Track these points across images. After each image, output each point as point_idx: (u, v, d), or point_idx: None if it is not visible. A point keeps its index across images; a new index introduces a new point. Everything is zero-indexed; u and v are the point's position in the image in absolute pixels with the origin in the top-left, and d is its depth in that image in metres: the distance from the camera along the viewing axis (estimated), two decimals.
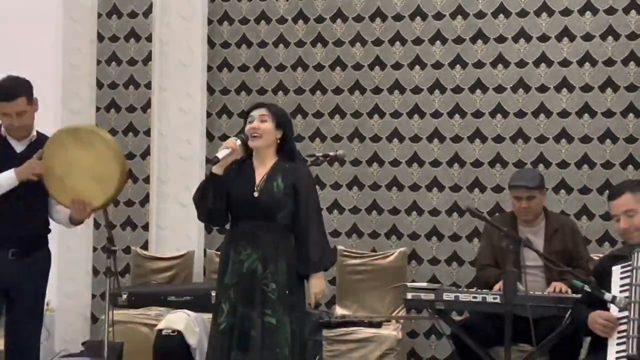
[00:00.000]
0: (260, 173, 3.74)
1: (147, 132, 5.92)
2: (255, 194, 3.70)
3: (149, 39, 5.94)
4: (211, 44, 5.97)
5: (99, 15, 6.00)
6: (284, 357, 3.57)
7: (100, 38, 6.02)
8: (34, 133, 4.05)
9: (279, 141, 3.78)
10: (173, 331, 5.06)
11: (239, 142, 3.69)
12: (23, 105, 3.91)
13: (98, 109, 6.00)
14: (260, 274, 3.64)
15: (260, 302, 3.61)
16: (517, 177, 4.70)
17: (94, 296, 5.96)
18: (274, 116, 3.75)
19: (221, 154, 3.65)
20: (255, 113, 3.74)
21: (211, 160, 3.74)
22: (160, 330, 5.12)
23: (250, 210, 3.71)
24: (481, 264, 4.75)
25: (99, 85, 6.02)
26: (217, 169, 3.69)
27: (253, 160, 3.79)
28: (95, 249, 5.92)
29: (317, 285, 3.74)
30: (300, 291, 3.76)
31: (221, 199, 3.72)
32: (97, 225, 5.88)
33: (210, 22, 5.96)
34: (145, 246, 5.91)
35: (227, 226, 3.91)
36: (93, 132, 4.05)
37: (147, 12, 5.95)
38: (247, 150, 3.78)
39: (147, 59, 5.95)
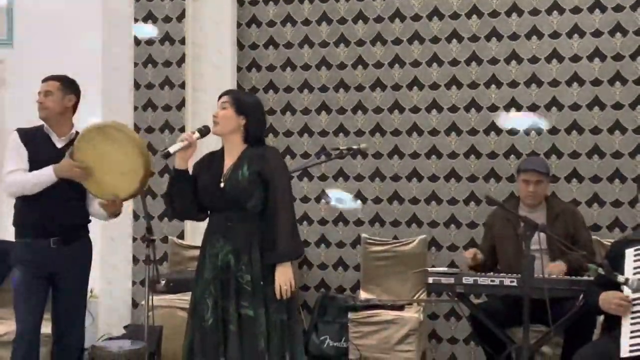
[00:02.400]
0: (228, 163, 3.53)
1: (182, 129, 5.90)
2: (222, 185, 3.48)
3: (183, 42, 5.93)
4: (240, 46, 5.96)
5: (135, 20, 6.01)
6: (261, 350, 3.34)
7: (137, 42, 6.02)
8: (74, 131, 4.08)
9: (243, 128, 3.53)
10: None
11: (196, 134, 3.53)
12: (53, 87, 4.02)
13: (136, 108, 6.00)
14: (235, 266, 3.43)
15: (236, 295, 3.40)
16: (528, 162, 4.74)
17: (134, 283, 5.97)
18: (235, 103, 3.52)
19: (173, 147, 3.49)
20: (219, 101, 3.57)
21: (163, 154, 3.53)
22: None
23: (219, 202, 3.50)
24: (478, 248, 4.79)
25: (137, 86, 6.02)
26: (179, 164, 3.52)
27: (224, 151, 3.60)
28: (134, 239, 5.93)
29: (282, 275, 3.40)
30: None
31: (187, 194, 3.53)
32: (136, 216, 5.89)
33: (239, 25, 5.95)
34: (181, 236, 5.90)
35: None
36: (119, 129, 4.00)
37: (181, 17, 5.95)
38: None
39: (181, 61, 5.94)
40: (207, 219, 3.63)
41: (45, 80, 4.07)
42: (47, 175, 3.86)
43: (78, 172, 3.85)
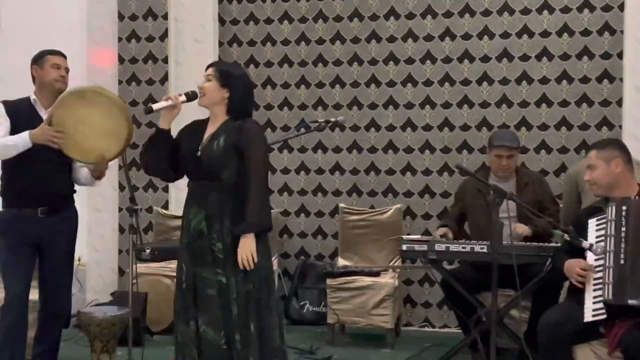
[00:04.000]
0: (208, 133, 3.44)
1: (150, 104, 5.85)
2: (198, 153, 3.40)
3: (165, 17, 5.86)
4: (222, 21, 5.90)
5: None
6: (235, 317, 3.29)
7: (121, 17, 5.94)
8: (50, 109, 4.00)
9: (227, 100, 3.44)
10: None
11: (182, 97, 3.43)
12: (67, 63, 4.03)
13: (120, 82, 5.94)
14: (207, 234, 3.36)
15: (212, 262, 3.34)
16: (499, 137, 4.66)
17: (120, 251, 5.94)
18: (219, 75, 3.42)
19: (157, 105, 3.42)
20: (205, 73, 3.49)
21: (145, 109, 3.45)
22: None
23: (196, 170, 3.41)
24: (445, 215, 4.87)
25: (121, 60, 5.95)
26: (162, 124, 3.43)
27: (209, 121, 3.51)
28: (120, 209, 5.89)
29: (243, 246, 3.28)
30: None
31: (164, 154, 3.45)
32: (121, 187, 5.86)
33: (220, 1, 5.87)
34: (165, 206, 5.88)
35: None
36: (98, 92, 3.92)
37: None
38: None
39: (164, 35, 5.87)
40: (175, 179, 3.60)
41: (57, 54, 4.00)
42: (22, 139, 3.77)
43: (53, 137, 3.75)
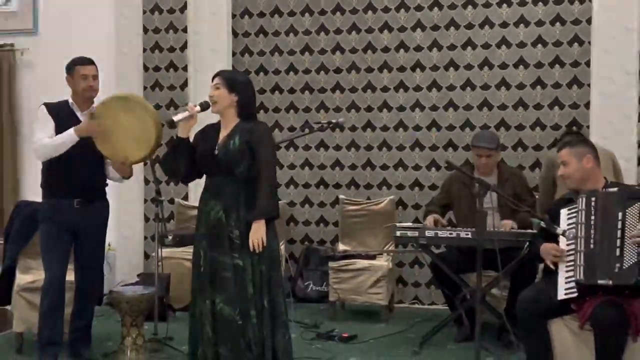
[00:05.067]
0: (223, 134, 3.45)
1: (185, 106, 5.84)
2: (216, 152, 3.40)
3: (185, 30, 5.83)
4: (235, 34, 5.86)
5: (144, 11, 5.89)
6: (250, 295, 3.32)
7: (145, 30, 5.91)
8: (94, 106, 3.99)
9: (236, 103, 3.44)
10: None
11: (197, 107, 3.44)
12: (95, 71, 3.98)
13: (145, 88, 5.91)
14: (225, 223, 3.37)
15: (229, 248, 3.35)
16: (479, 138, 4.61)
17: (145, 238, 5.92)
18: (226, 82, 3.42)
19: (177, 117, 3.43)
20: (212, 83, 3.49)
21: (167, 122, 3.45)
22: None
23: (213, 167, 3.43)
24: (431, 202, 4.80)
25: (145, 69, 5.92)
26: (181, 132, 3.45)
27: (221, 124, 3.51)
28: (146, 201, 5.88)
29: (255, 231, 3.32)
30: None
31: (184, 160, 3.46)
32: (146, 181, 5.84)
33: (234, 16, 5.84)
34: (185, 197, 5.86)
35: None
36: (139, 101, 3.94)
37: (183, 9, 5.83)
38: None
39: (184, 47, 5.84)
40: (189, 181, 3.60)
41: (85, 63, 3.94)
42: (69, 135, 3.78)
43: (96, 130, 3.76)
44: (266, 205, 3.33)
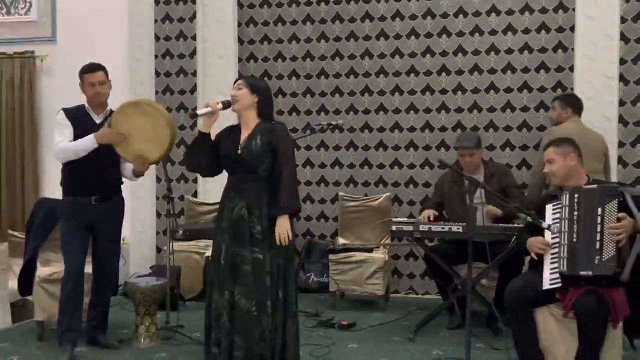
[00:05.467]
0: (245, 135, 3.41)
1: (194, 110, 5.80)
2: (239, 152, 3.37)
3: (194, 38, 5.84)
4: (241, 42, 5.88)
5: (156, 20, 5.91)
6: (267, 286, 3.31)
7: (157, 38, 5.92)
8: (109, 109, 4.01)
9: (257, 105, 3.42)
10: None
11: (220, 105, 3.41)
12: (102, 77, 3.94)
13: (157, 92, 5.92)
14: (248, 219, 3.34)
15: (250, 242, 3.32)
16: (460, 139, 4.61)
17: (158, 233, 5.94)
18: (248, 84, 3.42)
19: (201, 111, 3.41)
20: (235, 84, 3.48)
21: (190, 113, 3.45)
22: (208, 257, 5.12)
23: (236, 166, 3.39)
24: (428, 200, 4.80)
25: (157, 74, 5.94)
26: (203, 128, 3.41)
27: (241, 125, 3.48)
28: (158, 198, 5.90)
29: (280, 226, 3.31)
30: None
31: (205, 154, 3.42)
32: (159, 180, 5.86)
33: (239, 25, 5.86)
34: (195, 195, 5.88)
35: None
36: (151, 104, 3.97)
37: (192, 18, 5.85)
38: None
39: (193, 54, 5.85)
40: (226, 181, 3.53)
41: (93, 70, 3.92)
42: (89, 140, 3.80)
43: (117, 137, 3.79)
44: (289, 201, 3.31)
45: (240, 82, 3.46)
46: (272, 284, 3.34)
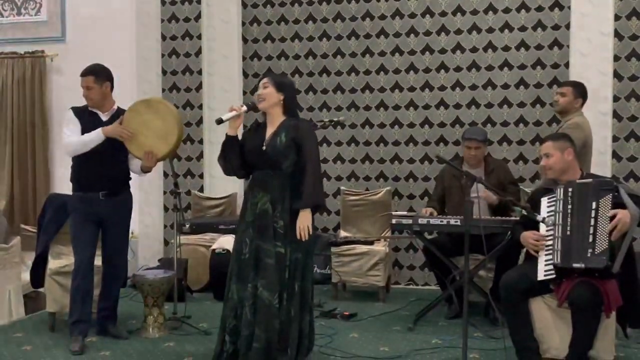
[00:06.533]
0: (270, 131, 3.39)
1: (200, 107, 5.88)
2: (264, 148, 3.36)
3: (199, 37, 5.85)
4: (245, 40, 5.88)
5: (162, 20, 5.91)
6: (285, 280, 3.30)
7: (163, 38, 5.93)
8: (115, 107, 4.03)
9: (282, 102, 3.40)
10: (223, 250, 5.09)
11: (244, 107, 3.40)
12: (90, 82, 3.92)
13: (163, 90, 5.93)
14: (271, 214, 3.32)
15: (272, 236, 3.31)
16: (470, 131, 4.66)
17: (165, 226, 5.97)
18: (274, 82, 3.39)
19: (225, 116, 3.37)
20: (260, 82, 3.44)
21: (215, 121, 3.37)
22: (214, 250, 5.16)
23: (261, 162, 3.37)
24: (431, 198, 4.78)
25: (164, 72, 5.95)
26: (230, 131, 3.40)
27: (267, 121, 3.46)
28: (165, 192, 5.92)
29: (302, 219, 3.28)
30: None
31: (236, 155, 3.42)
32: (166, 175, 5.88)
33: (243, 24, 5.86)
34: (201, 190, 5.89)
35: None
36: (161, 102, 4.01)
37: (197, 18, 5.85)
38: (264, 115, 3.48)
39: (198, 52, 5.86)
40: (250, 176, 3.51)
41: (82, 75, 3.93)
42: (96, 133, 3.83)
43: (123, 132, 3.80)
44: (313, 195, 3.28)
45: (265, 80, 3.43)
46: (289, 277, 3.34)
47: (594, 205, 3.23)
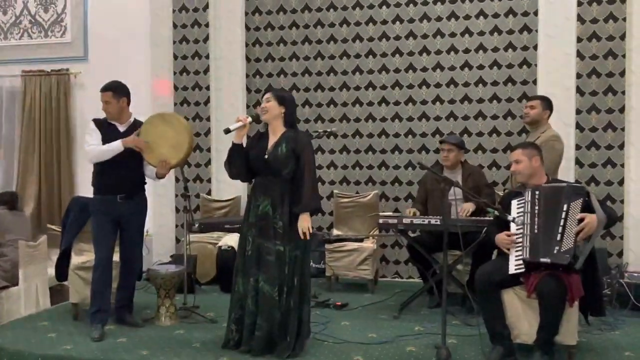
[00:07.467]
0: (271, 141, 3.43)
1: (208, 119, 5.87)
2: (266, 157, 3.40)
3: (207, 57, 5.85)
4: (248, 59, 5.89)
5: (174, 42, 5.90)
6: (285, 274, 3.34)
7: (175, 57, 5.92)
8: (132, 119, 4.02)
9: (283, 114, 3.43)
10: (228, 247, 5.09)
11: (249, 119, 3.42)
12: (108, 97, 3.92)
13: (175, 104, 5.93)
14: (272, 215, 3.36)
15: (273, 236, 3.35)
16: (445, 137, 4.71)
17: (176, 226, 5.95)
18: (276, 96, 3.42)
19: (232, 126, 3.39)
20: (264, 97, 3.46)
21: (223, 130, 3.40)
22: (220, 247, 5.15)
23: (263, 169, 3.41)
24: (415, 201, 4.78)
25: (175, 88, 5.94)
26: (236, 140, 3.41)
27: (269, 132, 3.49)
28: (176, 195, 5.90)
29: (303, 222, 3.33)
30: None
31: (241, 161, 3.44)
32: (177, 179, 5.86)
33: (247, 45, 5.87)
34: (209, 193, 5.89)
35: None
36: (173, 115, 4.02)
37: (206, 39, 5.84)
38: (265, 126, 3.52)
39: (207, 70, 5.86)
40: (253, 181, 3.53)
41: (102, 90, 3.93)
42: (116, 144, 3.83)
43: (140, 143, 3.81)
44: (311, 200, 3.32)
45: (268, 95, 3.45)
46: (289, 272, 3.35)
47: (565, 207, 3.22)
